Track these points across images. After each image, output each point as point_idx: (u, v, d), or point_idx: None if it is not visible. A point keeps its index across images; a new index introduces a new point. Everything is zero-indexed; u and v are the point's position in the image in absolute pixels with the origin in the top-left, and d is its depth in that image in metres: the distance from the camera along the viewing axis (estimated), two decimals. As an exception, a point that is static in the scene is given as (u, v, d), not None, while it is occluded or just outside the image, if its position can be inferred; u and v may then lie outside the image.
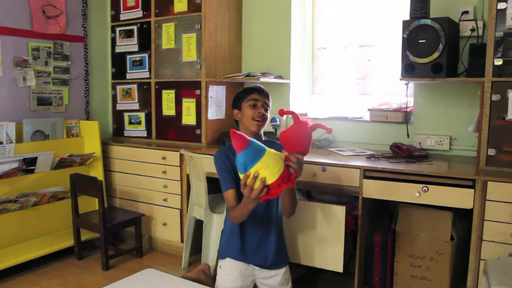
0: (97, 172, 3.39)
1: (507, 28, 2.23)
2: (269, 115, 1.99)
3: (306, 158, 2.61)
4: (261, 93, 1.97)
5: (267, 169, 1.45)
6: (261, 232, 1.97)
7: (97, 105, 3.72)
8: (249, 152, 1.45)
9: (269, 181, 1.46)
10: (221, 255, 2.05)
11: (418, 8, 2.50)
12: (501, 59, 2.25)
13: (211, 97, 3.21)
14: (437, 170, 2.31)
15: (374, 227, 2.66)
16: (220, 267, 2.04)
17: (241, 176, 1.50)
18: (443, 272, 2.37)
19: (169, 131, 3.42)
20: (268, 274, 2.00)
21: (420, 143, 2.84)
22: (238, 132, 1.47)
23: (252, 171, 1.46)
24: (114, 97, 3.70)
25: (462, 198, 2.18)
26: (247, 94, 1.97)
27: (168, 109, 3.38)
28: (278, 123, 3.29)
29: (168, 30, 3.32)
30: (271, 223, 1.97)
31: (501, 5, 2.23)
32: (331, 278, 2.80)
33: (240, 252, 1.98)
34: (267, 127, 3.27)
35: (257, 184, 1.47)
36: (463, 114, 2.73)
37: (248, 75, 3.14)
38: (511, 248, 2.09)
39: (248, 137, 1.49)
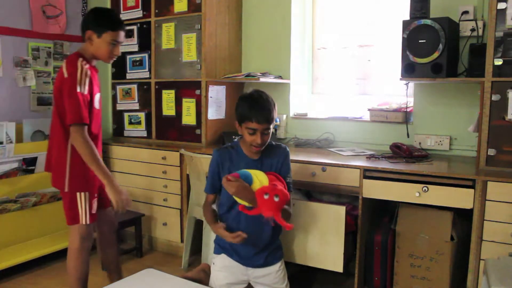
0: (97, 172, 3.38)
1: (507, 28, 2.23)
2: (270, 134, 1.92)
3: (305, 158, 2.62)
4: (260, 122, 1.84)
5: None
6: (251, 230, 1.97)
7: (97, 105, 3.72)
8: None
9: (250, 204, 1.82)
10: (214, 250, 2.08)
11: (418, 8, 2.50)
12: (501, 59, 2.25)
13: (211, 97, 3.22)
14: (437, 170, 2.32)
15: (374, 227, 2.66)
16: (213, 263, 2.07)
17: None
18: (443, 272, 2.37)
19: (169, 131, 3.42)
20: (260, 273, 2.01)
21: (420, 143, 2.84)
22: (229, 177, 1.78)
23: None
24: (114, 97, 3.70)
25: (462, 198, 2.18)
26: (246, 119, 1.86)
27: (168, 109, 3.38)
28: (278, 123, 3.29)
29: (168, 30, 3.32)
30: (262, 222, 1.93)
31: (501, 5, 2.23)
32: (331, 278, 2.80)
33: (230, 250, 2.00)
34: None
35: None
36: (463, 114, 2.73)
37: (248, 75, 3.14)
38: (511, 248, 2.09)
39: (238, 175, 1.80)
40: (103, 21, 2.12)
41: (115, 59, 2.22)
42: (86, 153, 2.04)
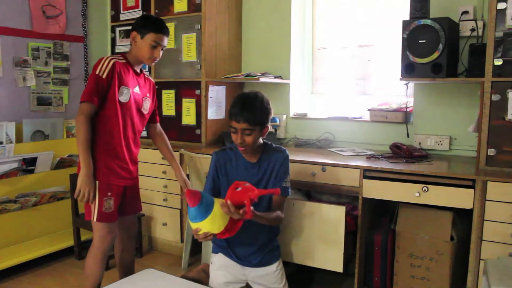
0: (97, 172, 3.38)
1: (507, 28, 2.23)
2: (254, 137, 1.86)
3: (305, 158, 2.62)
4: (238, 121, 1.84)
5: (214, 224, 1.69)
6: (245, 230, 1.96)
7: (97, 105, 3.72)
8: (200, 209, 1.65)
9: (215, 231, 1.71)
10: (212, 249, 2.09)
11: (418, 8, 2.50)
12: (501, 59, 2.25)
13: (211, 97, 3.21)
14: (437, 170, 2.32)
15: (374, 227, 2.66)
16: (212, 263, 2.07)
17: (191, 224, 1.71)
18: (443, 272, 2.37)
19: (169, 131, 3.38)
20: (258, 273, 2.01)
21: (420, 143, 2.84)
22: (191, 191, 1.64)
23: (198, 225, 1.69)
24: (114, 97, 3.70)
25: (462, 198, 2.18)
26: (229, 117, 1.89)
27: (168, 109, 3.38)
28: (277, 123, 3.29)
29: (168, 30, 3.32)
30: (252, 222, 1.90)
31: (501, 5, 2.23)
32: (330, 278, 2.80)
33: (227, 249, 2.01)
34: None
35: (201, 236, 1.71)
36: (463, 114, 2.73)
37: (248, 75, 3.13)
38: (511, 248, 2.09)
39: (199, 196, 1.64)
40: (147, 23, 2.21)
41: (155, 61, 2.27)
42: (79, 132, 2.08)
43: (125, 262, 2.49)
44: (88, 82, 2.16)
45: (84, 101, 2.10)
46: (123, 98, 2.19)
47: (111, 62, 2.14)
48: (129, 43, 3.50)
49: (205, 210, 1.67)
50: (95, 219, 2.19)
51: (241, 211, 1.64)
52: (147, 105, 2.36)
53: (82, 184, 2.10)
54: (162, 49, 2.25)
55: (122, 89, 2.18)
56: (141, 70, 2.34)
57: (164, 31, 2.24)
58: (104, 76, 2.11)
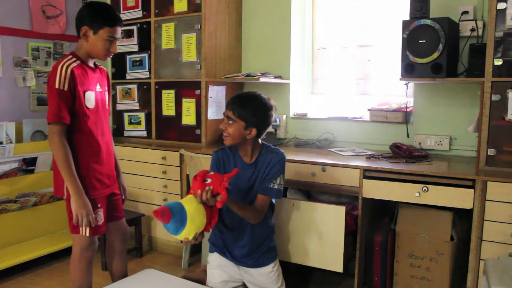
0: (97, 172, 3.38)
1: (507, 28, 2.23)
2: (235, 131, 1.89)
3: (305, 158, 2.62)
4: (226, 107, 1.94)
5: (195, 223, 1.70)
6: (236, 230, 1.99)
7: (97, 105, 3.71)
8: (176, 220, 1.67)
9: (202, 228, 1.73)
10: (209, 249, 2.10)
11: (418, 8, 2.50)
12: (501, 59, 2.25)
13: (211, 97, 3.22)
14: (437, 170, 2.32)
15: (374, 227, 2.66)
16: (208, 262, 2.07)
17: (177, 237, 1.72)
18: (443, 272, 2.37)
19: (169, 131, 3.42)
20: (253, 274, 2.01)
21: (420, 143, 2.84)
22: (158, 211, 1.64)
23: (184, 235, 1.70)
24: (114, 97, 3.69)
25: (462, 198, 2.18)
26: None
27: (168, 109, 3.38)
28: (277, 123, 3.29)
29: (168, 30, 3.32)
30: (246, 222, 1.95)
31: (501, 5, 2.23)
32: (330, 278, 2.80)
33: (222, 248, 2.02)
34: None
35: (192, 241, 1.74)
36: (463, 114, 2.73)
37: (248, 75, 3.14)
38: (511, 248, 2.09)
39: (168, 211, 1.65)
40: (99, 16, 1.99)
41: (111, 56, 2.12)
42: (59, 155, 1.93)
43: (116, 268, 2.31)
44: (49, 99, 1.93)
45: (53, 122, 1.91)
46: (90, 104, 2.04)
47: (68, 70, 1.94)
48: (128, 43, 3.54)
49: (181, 218, 1.67)
50: (88, 234, 2.05)
51: (218, 198, 1.71)
52: (107, 98, 2.21)
53: (77, 209, 1.96)
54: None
55: (87, 95, 2.02)
56: (95, 64, 2.15)
57: (119, 23, 2.03)
58: (66, 89, 1.92)
